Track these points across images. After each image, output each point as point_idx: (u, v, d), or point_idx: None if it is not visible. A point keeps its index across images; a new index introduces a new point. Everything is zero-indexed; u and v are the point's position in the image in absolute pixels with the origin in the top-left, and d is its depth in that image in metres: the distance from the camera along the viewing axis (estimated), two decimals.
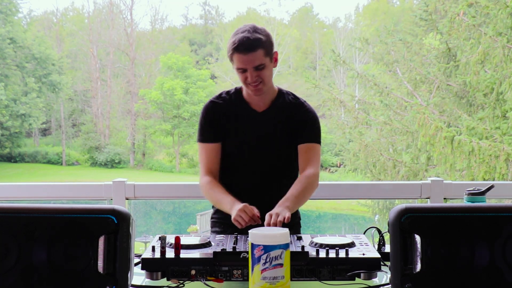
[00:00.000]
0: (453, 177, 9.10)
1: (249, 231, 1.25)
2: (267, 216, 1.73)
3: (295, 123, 2.02)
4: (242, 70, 1.90)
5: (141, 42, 34.54)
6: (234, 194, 1.93)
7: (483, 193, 1.71)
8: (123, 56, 34.05)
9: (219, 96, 2.09)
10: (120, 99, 33.28)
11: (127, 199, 2.64)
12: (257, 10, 40.85)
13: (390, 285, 1.22)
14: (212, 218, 2.14)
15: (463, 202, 1.73)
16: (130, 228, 1.20)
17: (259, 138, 2.01)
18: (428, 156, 10.32)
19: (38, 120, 28.41)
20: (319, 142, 2.06)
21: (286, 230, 1.24)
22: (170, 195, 2.93)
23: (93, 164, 30.27)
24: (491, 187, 1.74)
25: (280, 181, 2.03)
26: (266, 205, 1.85)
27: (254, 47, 1.86)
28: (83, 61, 34.38)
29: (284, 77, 31.73)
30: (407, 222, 1.16)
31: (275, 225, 1.68)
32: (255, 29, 1.89)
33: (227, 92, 2.09)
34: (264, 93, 1.99)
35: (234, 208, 1.81)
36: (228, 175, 2.04)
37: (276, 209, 1.79)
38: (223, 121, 2.03)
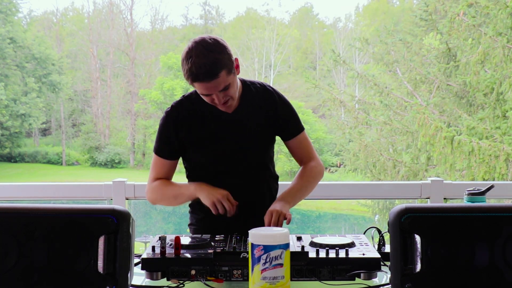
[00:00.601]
0: (453, 177, 9.10)
1: (249, 231, 1.25)
2: (267, 214, 1.69)
3: (272, 117, 1.89)
4: (207, 95, 1.74)
5: (141, 42, 34.54)
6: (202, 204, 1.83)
7: (483, 193, 1.71)
8: (123, 56, 34.05)
9: (181, 101, 1.90)
10: (120, 99, 33.28)
11: (127, 199, 2.65)
12: (257, 10, 40.90)
13: (390, 285, 1.22)
14: (191, 225, 2.02)
15: (463, 202, 1.73)
16: (130, 228, 1.20)
17: (236, 140, 1.86)
18: (428, 156, 10.32)
19: (38, 120, 28.41)
20: (303, 128, 1.96)
21: (286, 230, 1.24)
22: None
23: (93, 164, 30.27)
24: (491, 187, 1.74)
25: (261, 179, 1.95)
26: (247, 206, 1.82)
27: (215, 73, 1.66)
28: (83, 61, 34.39)
29: (284, 77, 31.73)
30: (407, 222, 1.16)
31: (275, 224, 1.67)
32: (208, 48, 1.67)
33: (188, 96, 1.90)
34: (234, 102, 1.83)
35: (208, 190, 1.74)
36: (204, 181, 1.88)
37: (277, 205, 1.74)
38: (186, 129, 1.85)
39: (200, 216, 1.96)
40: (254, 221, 1.68)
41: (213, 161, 1.88)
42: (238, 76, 1.83)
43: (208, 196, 1.75)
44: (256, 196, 1.91)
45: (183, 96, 1.93)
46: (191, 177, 1.96)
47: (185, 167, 1.98)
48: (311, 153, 1.97)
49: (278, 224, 1.68)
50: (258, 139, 1.90)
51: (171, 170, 1.93)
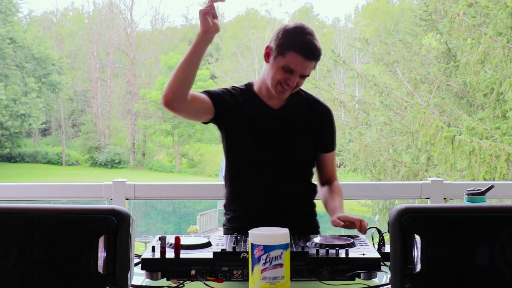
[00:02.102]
0: (454, 177, 9.10)
1: (249, 231, 1.25)
2: (356, 220, 1.67)
3: (315, 126, 1.93)
4: (288, 71, 1.76)
5: (141, 42, 34.56)
6: (245, 193, 1.90)
7: (483, 193, 1.71)
8: (123, 56, 34.06)
9: (233, 87, 1.94)
10: (120, 99, 33.30)
11: (127, 199, 2.64)
12: (258, 10, 40.92)
13: (390, 285, 1.22)
14: (224, 225, 2.01)
15: (463, 202, 1.73)
16: (130, 228, 1.20)
17: (276, 136, 1.88)
18: (428, 156, 10.33)
19: (38, 120, 28.43)
20: (335, 147, 2.03)
21: (286, 230, 1.24)
22: (170, 195, 2.92)
23: (93, 164, 30.29)
24: (491, 187, 1.74)
25: (297, 179, 1.95)
26: (275, 205, 1.86)
27: (315, 57, 1.78)
28: (83, 61, 34.41)
29: None
30: (407, 222, 1.16)
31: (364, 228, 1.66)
32: (315, 36, 1.80)
33: (236, 88, 1.94)
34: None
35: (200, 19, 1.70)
36: (240, 173, 1.92)
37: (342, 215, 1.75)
38: (231, 109, 1.86)
39: (230, 216, 1.98)
40: (286, 219, 1.67)
41: (252, 152, 1.89)
42: None
43: (201, 18, 1.72)
44: (290, 195, 1.92)
45: (231, 86, 1.95)
46: (231, 167, 1.96)
47: (226, 157, 1.96)
48: (335, 173, 2.02)
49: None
50: (299, 139, 1.91)
51: (201, 101, 1.83)
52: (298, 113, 1.91)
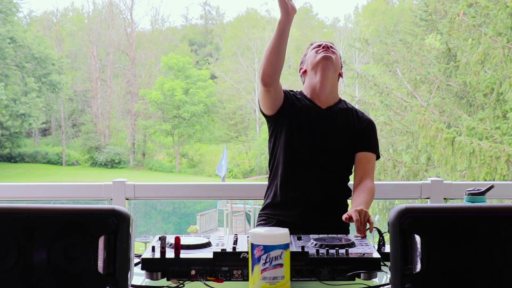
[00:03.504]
0: (454, 178, 9.10)
1: (249, 231, 1.25)
2: (353, 212, 1.72)
3: (355, 129, 2.10)
4: (317, 47, 2.10)
5: (141, 42, 34.57)
6: (286, 190, 2.03)
7: (483, 193, 1.71)
8: (123, 56, 34.07)
9: (288, 90, 2.15)
10: (120, 99, 33.30)
11: (127, 199, 2.64)
12: (258, 10, 40.92)
13: (390, 285, 1.22)
14: (260, 214, 2.15)
15: (463, 202, 1.73)
16: (130, 228, 1.20)
17: (322, 134, 2.05)
18: (428, 156, 10.32)
19: (38, 120, 28.43)
20: (379, 155, 2.14)
21: (286, 230, 1.25)
22: (170, 195, 2.92)
23: (93, 164, 30.30)
24: (491, 187, 1.74)
25: (337, 179, 2.08)
26: (313, 201, 1.98)
27: (328, 43, 2.15)
28: (83, 61, 34.41)
29: (284, 77, 31.66)
30: (407, 222, 1.16)
31: (362, 222, 1.70)
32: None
33: (292, 90, 2.17)
34: (327, 93, 2.09)
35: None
36: (287, 169, 2.05)
37: (361, 207, 1.79)
38: (291, 109, 2.06)
39: (267, 203, 2.10)
40: (321, 216, 1.99)
41: (298, 148, 2.04)
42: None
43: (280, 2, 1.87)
44: (328, 193, 2.04)
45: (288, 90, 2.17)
46: (275, 161, 2.11)
47: (271, 150, 2.12)
48: (371, 174, 2.10)
49: (364, 223, 1.71)
50: (342, 140, 2.08)
51: (281, 88, 2.06)
52: (342, 116, 2.10)
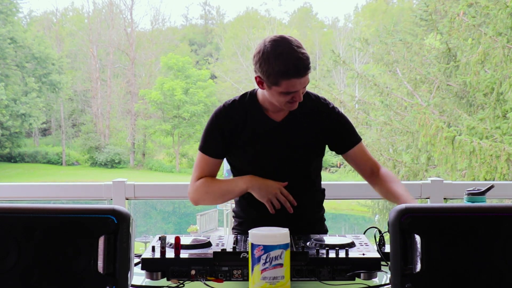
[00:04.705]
0: (454, 177, 9.10)
1: (249, 231, 1.25)
2: None
3: (324, 130, 1.84)
4: (290, 93, 1.68)
5: (141, 42, 34.55)
6: (254, 206, 1.82)
7: (483, 193, 1.71)
8: (123, 56, 34.06)
9: (233, 102, 1.86)
10: (120, 99, 33.29)
11: (127, 199, 2.64)
12: (258, 10, 40.90)
13: (390, 285, 1.22)
14: (233, 229, 2.00)
15: (463, 202, 1.73)
16: (130, 228, 1.20)
17: (282, 148, 1.82)
18: (428, 156, 10.32)
19: (38, 120, 28.43)
20: (360, 139, 1.90)
21: (286, 230, 1.24)
22: (170, 195, 2.92)
23: (93, 164, 30.29)
24: (491, 187, 1.74)
25: (305, 191, 1.88)
26: (285, 217, 1.76)
27: (307, 68, 1.64)
28: (83, 61, 34.41)
29: None
30: (407, 222, 1.16)
31: None
32: (295, 43, 1.65)
33: (241, 98, 1.86)
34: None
35: (260, 186, 1.72)
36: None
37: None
38: (234, 132, 1.82)
39: (242, 220, 1.96)
40: (295, 230, 1.66)
41: (257, 168, 1.82)
42: None
43: (260, 193, 1.74)
44: (299, 206, 1.82)
45: (237, 97, 1.88)
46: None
47: (231, 171, 1.95)
48: (376, 162, 1.91)
49: None
50: (304, 150, 1.84)
51: (216, 169, 1.88)
52: (302, 121, 1.83)
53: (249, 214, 1.92)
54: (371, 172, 1.90)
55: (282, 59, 1.62)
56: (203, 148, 1.87)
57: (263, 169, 1.82)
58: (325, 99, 1.89)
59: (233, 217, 2.02)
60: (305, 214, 1.87)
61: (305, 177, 1.89)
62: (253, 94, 1.87)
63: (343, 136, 1.88)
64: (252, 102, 1.83)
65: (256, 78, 1.73)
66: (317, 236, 1.60)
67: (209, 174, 1.87)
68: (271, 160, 1.83)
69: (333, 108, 1.88)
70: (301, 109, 1.79)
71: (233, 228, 2.01)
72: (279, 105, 1.75)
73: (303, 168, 1.88)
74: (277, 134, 1.82)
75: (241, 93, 1.89)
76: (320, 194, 1.99)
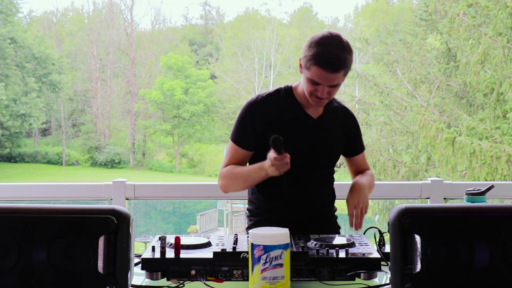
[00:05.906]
0: (454, 178, 9.09)
1: (249, 231, 1.25)
2: (351, 207, 1.81)
3: (347, 135, 1.99)
4: (315, 83, 1.75)
5: (141, 42, 34.55)
6: (274, 201, 1.88)
7: (483, 193, 1.71)
8: (123, 56, 34.06)
9: (268, 95, 1.89)
10: (120, 99, 33.29)
11: (127, 199, 2.64)
12: (258, 10, 40.91)
13: (390, 285, 1.22)
14: (247, 228, 1.98)
15: (463, 202, 1.73)
16: (130, 228, 1.20)
17: (313, 146, 1.88)
18: (428, 156, 10.33)
19: (38, 120, 28.42)
20: (364, 147, 2.11)
21: (286, 230, 1.24)
22: (170, 195, 2.92)
23: (93, 164, 30.28)
24: (491, 187, 1.74)
25: (322, 190, 1.97)
26: (302, 210, 1.87)
27: (339, 68, 1.72)
28: (83, 61, 34.40)
29: (284, 77, 31.72)
30: (407, 222, 1.16)
31: (359, 218, 1.78)
32: (342, 45, 1.75)
33: (276, 92, 1.91)
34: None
35: (271, 167, 1.69)
36: (270, 182, 1.82)
37: (360, 196, 1.83)
38: (266, 124, 1.83)
39: (256, 220, 1.96)
40: (310, 223, 1.88)
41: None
42: None
43: (272, 168, 1.70)
44: (317, 200, 1.94)
45: (272, 90, 1.92)
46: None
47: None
48: (368, 167, 2.11)
49: (361, 217, 1.80)
50: (333, 149, 1.96)
51: (245, 160, 1.91)
52: (334, 123, 1.94)
53: (265, 205, 1.93)
54: (357, 173, 2.05)
55: (322, 48, 1.72)
56: (234, 138, 1.89)
57: (293, 162, 1.78)
58: (342, 103, 2.03)
59: (248, 216, 2.03)
60: (323, 206, 1.98)
61: (330, 173, 2.00)
62: (288, 88, 1.92)
63: (356, 142, 2.04)
64: (288, 96, 1.89)
65: (299, 60, 1.82)
66: (317, 236, 1.60)
67: (237, 163, 1.90)
68: (301, 154, 1.84)
69: (355, 118, 2.05)
70: (332, 110, 1.94)
71: (247, 228, 2.00)
72: (306, 94, 1.81)
73: (329, 165, 1.98)
74: (313, 130, 1.89)
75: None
76: (334, 190, 2.07)
